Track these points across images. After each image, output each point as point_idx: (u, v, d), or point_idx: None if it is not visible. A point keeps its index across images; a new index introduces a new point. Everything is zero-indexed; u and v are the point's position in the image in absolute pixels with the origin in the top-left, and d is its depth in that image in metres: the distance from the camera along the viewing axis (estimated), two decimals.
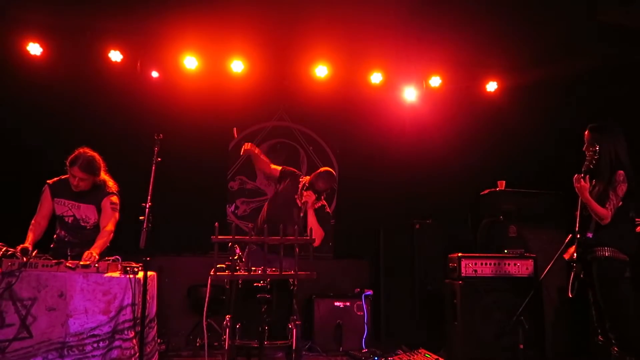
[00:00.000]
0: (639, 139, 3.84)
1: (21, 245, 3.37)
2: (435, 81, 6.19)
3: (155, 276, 3.69)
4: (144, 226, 3.18)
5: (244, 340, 3.25)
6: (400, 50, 5.83)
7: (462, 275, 4.68)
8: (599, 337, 3.54)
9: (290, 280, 3.38)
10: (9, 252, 3.22)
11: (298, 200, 4.10)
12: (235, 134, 4.21)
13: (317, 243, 3.45)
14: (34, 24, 5.33)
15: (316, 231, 3.76)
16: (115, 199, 3.85)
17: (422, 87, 6.29)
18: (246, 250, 3.86)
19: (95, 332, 3.15)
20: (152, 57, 5.70)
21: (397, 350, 5.02)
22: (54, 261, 3.25)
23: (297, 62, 5.93)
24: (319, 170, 4.12)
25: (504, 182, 5.43)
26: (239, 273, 3.27)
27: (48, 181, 3.84)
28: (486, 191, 5.53)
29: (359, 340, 5.40)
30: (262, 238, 3.28)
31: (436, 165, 6.34)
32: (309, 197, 3.97)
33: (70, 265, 3.22)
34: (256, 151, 4.18)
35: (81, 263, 3.26)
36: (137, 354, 3.17)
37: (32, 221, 3.75)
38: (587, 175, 3.44)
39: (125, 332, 3.19)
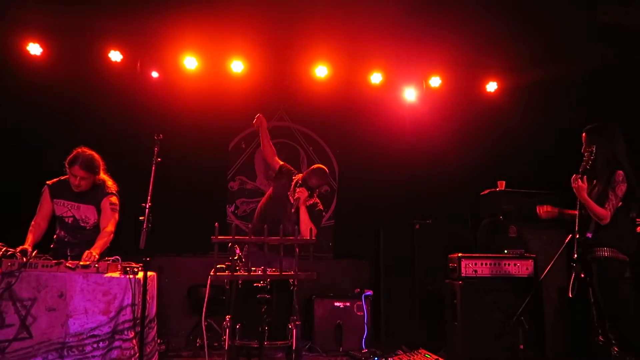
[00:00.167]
0: (638, 139, 3.84)
1: (21, 247, 3.37)
2: (435, 81, 6.20)
3: (155, 276, 3.68)
4: (144, 226, 3.18)
5: (244, 340, 3.25)
6: (400, 50, 5.84)
7: (462, 275, 4.67)
8: (599, 337, 3.54)
9: (290, 280, 3.38)
10: (9, 253, 3.22)
11: (291, 197, 4.12)
12: (259, 120, 4.21)
13: (307, 236, 3.47)
14: (34, 24, 5.34)
15: (307, 227, 3.79)
16: (114, 199, 3.85)
17: (422, 88, 6.30)
18: (245, 250, 3.87)
19: (95, 333, 3.15)
20: (152, 57, 5.70)
21: (397, 350, 5.03)
22: (53, 261, 3.25)
23: (297, 62, 5.93)
24: (311, 167, 4.16)
25: (504, 182, 5.43)
26: (238, 273, 3.27)
27: (47, 182, 3.83)
28: (486, 191, 5.53)
29: (359, 341, 5.40)
30: (262, 238, 3.28)
31: (436, 166, 6.35)
32: (301, 193, 4.00)
33: (70, 265, 3.21)
34: (265, 128, 4.17)
35: (81, 263, 3.26)
36: (137, 354, 3.17)
37: (32, 222, 3.75)
38: (585, 176, 3.45)
39: (125, 333, 3.19)
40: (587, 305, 3.68)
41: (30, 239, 3.62)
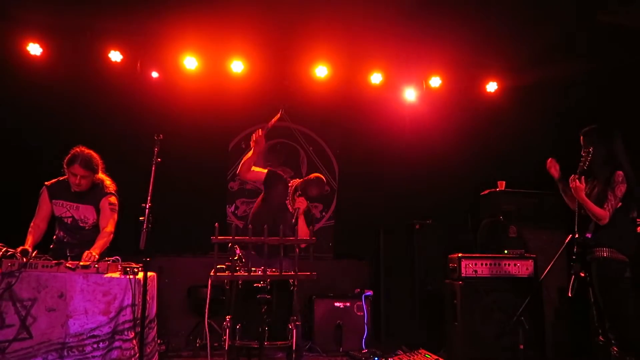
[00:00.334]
0: (638, 139, 3.84)
1: (21, 247, 3.36)
2: (435, 81, 6.20)
3: (155, 277, 3.68)
4: (144, 227, 3.18)
5: (244, 340, 3.25)
6: (400, 50, 5.84)
7: (462, 275, 4.68)
8: (600, 337, 3.54)
9: (290, 280, 3.38)
10: (9, 253, 3.22)
11: (289, 206, 4.14)
12: (278, 116, 4.22)
13: (304, 245, 3.56)
14: (34, 24, 5.34)
15: (306, 234, 3.91)
16: (113, 199, 3.85)
17: (422, 88, 6.30)
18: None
19: (95, 333, 3.15)
20: (152, 57, 5.71)
21: (397, 350, 5.03)
22: (53, 262, 3.24)
23: (297, 62, 5.94)
24: (309, 177, 4.15)
25: (504, 182, 5.43)
26: (239, 274, 3.27)
27: (46, 183, 3.82)
28: (486, 191, 5.54)
29: (359, 341, 5.40)
30: (262, 239, 3.28)
31: (436, 166, 6.35)
32: (301, 203, 4.01)
33: (70, 265, 3.21)
34: (252, 149, 4.10)
35: (81, 263, 3.26)
36: (137, 355, 3.17)
37: (31, 223, 3.75)
38: (583, 176, 3.45)
39: (125, 333, 3.19)
40: (587, 305, 3.68)
41: (30, 240, 3.61)
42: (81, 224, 3.82)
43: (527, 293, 4.17)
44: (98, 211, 3.81)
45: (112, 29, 5.50)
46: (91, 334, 3.14)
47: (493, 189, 5.45)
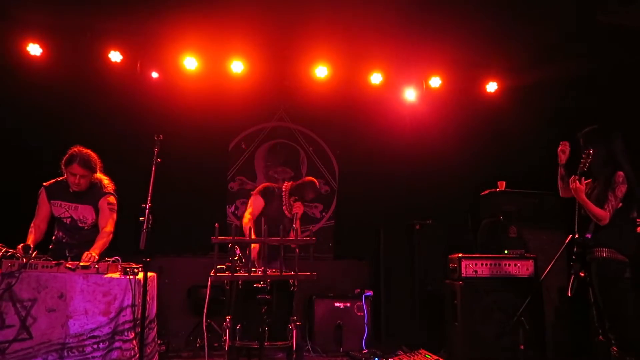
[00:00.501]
0: (638, 139, 3.84)
1: (22, 244, 3.36)
2: (435, 82, 6.20)
3: (155, 277, 3.68)
4: (144, 227, 3.18)
5: (244, 341, 3.25)
6: (400, 50, 5.83)
7: (463, 275, 4.67)
8: (600, 337, 3.54)
9: (290, 281, 3.38)
10: (9, 253, 3.22)
11: (286, 211, 4.28)
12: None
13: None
14: (34, 24, 5.33)
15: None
16: (112, 199, 3.85)
17: (422, 88, 6.29)
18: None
19: (95, 333, 3.15)
20: (152, 57, 5.70)
21: (397, 350, 5.02)
22: (53, 262, 3.25)
23: (297, 62, 5.93)
24: (302, 181, 4.40)
25: (504, 182, 5.43)
26: (239, 274, 3.27)
27: (44, 183, 3.82)
28: (486, 191, 5.53)
29: (359, 341, 5.39)
30: (263, 239, 3.28)
31: (436, 166, 6.34)
32: (299, 208, 4.17)
33: (70, 266, 3.22)
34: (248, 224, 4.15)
35: (81, 264, 3.26)
36: (137, 355, 3.17)
37: (32, 224, 3.75)
38: (582, 177, 3.45)
39: (125, 333, 3.19)
40: (587, 305, 3.68)
41: (30, 239, 3.62)
42: (80, 224, 3.82)
43: (527, 293, 4.17)
44: (97, 211, 3.82)
45: (112, 29, 5.49)
46: (91, 334, 3.14)
47: (493, 189, 5.44)
